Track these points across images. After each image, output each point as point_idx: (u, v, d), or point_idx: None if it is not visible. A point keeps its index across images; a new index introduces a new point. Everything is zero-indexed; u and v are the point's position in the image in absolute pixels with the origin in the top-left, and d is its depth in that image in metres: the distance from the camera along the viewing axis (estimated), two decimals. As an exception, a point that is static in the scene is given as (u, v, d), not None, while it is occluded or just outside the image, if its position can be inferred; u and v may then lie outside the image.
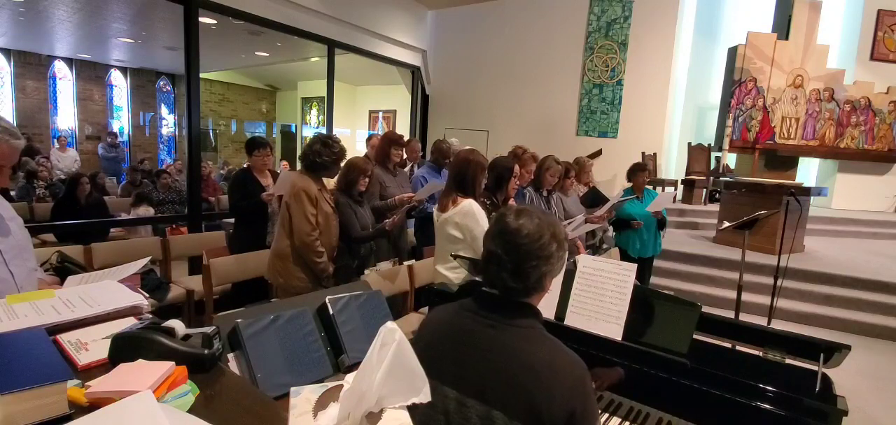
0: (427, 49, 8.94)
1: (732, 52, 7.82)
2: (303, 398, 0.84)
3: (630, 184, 4.43)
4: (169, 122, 12.19)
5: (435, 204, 2.76)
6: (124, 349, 0.93)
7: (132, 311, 1.15)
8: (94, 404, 0.79)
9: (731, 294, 3.91)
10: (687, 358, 1.48)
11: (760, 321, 3.18)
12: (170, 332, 0.98)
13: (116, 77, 11.06)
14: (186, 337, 1.00)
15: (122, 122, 11.23)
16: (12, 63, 9.38)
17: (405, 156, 4.15)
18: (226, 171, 9.96)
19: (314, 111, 11.88)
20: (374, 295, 2.04)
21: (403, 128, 9.64)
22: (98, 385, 0.83)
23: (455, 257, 2.35)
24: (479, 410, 1.09)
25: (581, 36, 8.38)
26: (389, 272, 3.09)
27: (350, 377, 0.82)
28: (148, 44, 9.15)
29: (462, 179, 2.48)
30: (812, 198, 5.94)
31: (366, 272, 3.03)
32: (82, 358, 0.95)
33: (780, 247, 3.83)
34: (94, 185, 5.50)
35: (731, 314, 3.65)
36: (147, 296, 1.25)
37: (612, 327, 1.60)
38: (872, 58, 8.06)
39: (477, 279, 2.04)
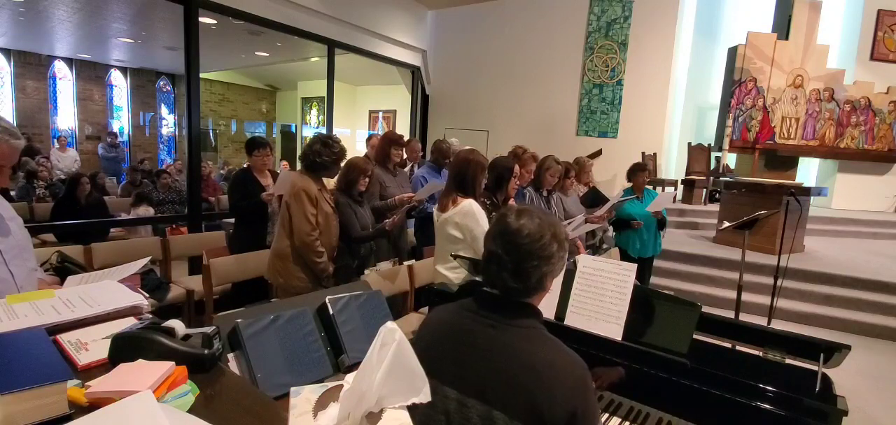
0: (427, 49, 8.94)
1: (732, 52, 7.82)
2: (303, 398, 0.84)
3: (630, 184, 4.43)
4: (169, 122, 12.19)
5: (435, 204, 2.76)
6: (124, 349, 0.93)
7: (132, 311, 1.15)
8: (94, 404, 0.79)
9: (731, 294, 3.91)
10: (687, 358, 1.48)
11: (760, 321, 3.18)
12: (170, 332, 0.98)
13: (116, 77, 11.06)
14: (186, 337, 1.00)
15: (122, 122, 11.23)
16: (12, 63, 9.38)
17: (405, 156, 4.15)
18: (226, 171, 9.96)
19: (314, 111, 11.88)
20: (374, 295, 2.04)
21: (403, 128, 9.64)
22: (98, 385, 0.83)
23: (455, 257, 2.35)
24: (479, 410, 1.09)
25: (581, 36, 8.38)
26: (389, 272, 3.09)
27: (350, 377, 0.82)
28: (148, 44, 9.15)
29: (462, 179, 2.48)
30: (812, 198, 5.94)
31: (366, 272, 3.03)
32: (82, 358, 0.95)
33: (780, 247, 3.83)
34: (94, 185, 5.50)
35: (731, 314, 3.65)
36: (147, 295, 1.25)
37: (612, 327, 1.60)
38: (872, 58, 8.06)
39: (477, 279, 2.04)
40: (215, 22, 6.30)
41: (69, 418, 0.76)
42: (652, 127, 8.15)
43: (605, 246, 4.53)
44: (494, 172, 2.80)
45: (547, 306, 1.66)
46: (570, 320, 1.67)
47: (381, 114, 11.53)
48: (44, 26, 7.94)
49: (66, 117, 10.29)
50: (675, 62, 8.14)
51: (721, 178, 7.07)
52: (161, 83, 11.83)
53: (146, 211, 5.47)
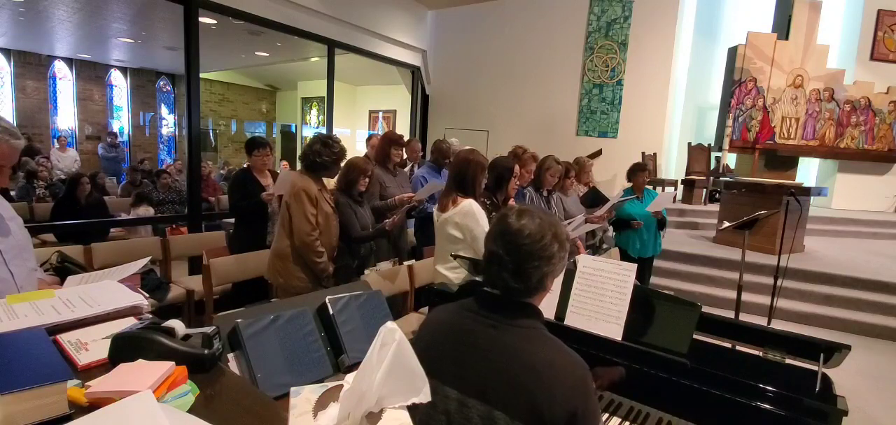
0: (427, 49, 8.94)
1: (732, 52, 7.82)
2: (303, 398, 0.84)
3: (630, 184, 4.43)
4: (169, 122, 12.19)
5: (435, 204, 2.76)
6: (124, 349, 0.93)
7: (132, 311, 1.15)
8: (94, 404, 0.79)
9: (731, 294, 3.91)
10: (687, 358, 1.48)
11: (760, 321, 3.18)
12: (170, 332, 0.98)
13: (116, 77, 11.06)
14: (186, 337, 1.00)
15: (122, 122, 11.23)
16: (12, 63, 9.38)
17: (405, 156, 4.15)
18: (226, 171, 9.96)
19: (314, 111, 11.88)
20: (374, 295, 2.04)
21: (403, 128, 9.64)
22: (98, 385, 0.83)
23: (455, 257, 2.35)
24: (480, 410, 1.09)
25: (581, 36, 8.38)
26: (389, 272, 3.09)
27: (350, 377, 0.82)
28: (148, 44, 9.15)
29: (462, 179, 2.48)
30: (812, 198, 5.94)
31: (366, 272, 3.03)
32: (82, 358, 0.95)
33: (780, 247, 3.83)
34: (94, 185, 5.50)
35: (731, 314, 3.65)
36: (147, 296, 1.25)
37: (612, 327, 1.60)
38: (872, 58, 8.06)
39: (477, 279, 2.04)
40: (215, 22, 6.30)
41: (69, 418, 0.76)
42: (652, 127, 8.15)
43: (605, 246, 4.53)
44: (494, 172, 2.80)
45: (547, 306, 1.65)
46: (570, 320, 1.67)
47: (381, 114, 11.53)
48: (44, 26, 7.94)
49: (66, 117, 10.29)
50: (675, 62, 8.14)
51: (721, 178, 7.08)
52: (161, 83, 11.83)
53: (146, 211, 5.47)
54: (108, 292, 1.20)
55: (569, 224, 3.40)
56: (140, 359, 0.90)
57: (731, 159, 8.58)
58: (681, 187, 8.16)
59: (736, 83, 7.74)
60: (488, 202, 2.73)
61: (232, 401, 0.90)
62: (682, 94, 8.83)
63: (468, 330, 1.15)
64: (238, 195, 3.60)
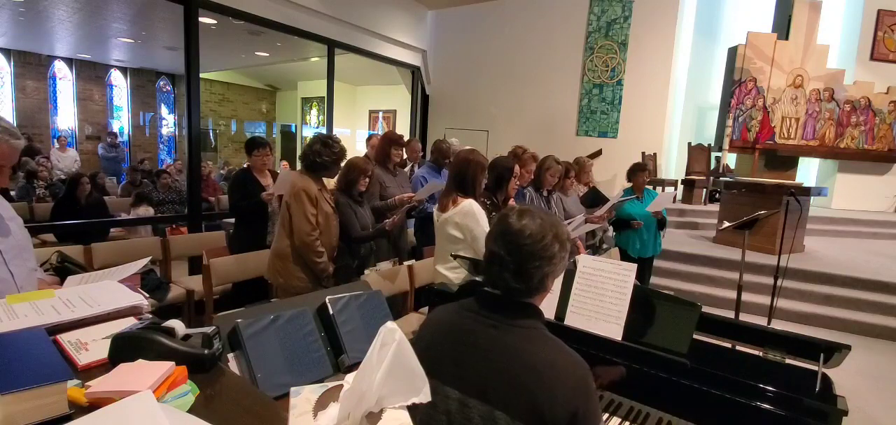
0: (427, 49, 8.94)
1: (732, 52, 7.82)
2: (303, 398, 0.84)
3: (630, 184, 4.43)
4: (169, 122, 12.19)
5: (435, 204, 2.76)
6: (124, 349, 0.93)
7: (132, 311, 1.15)
8: (94, 404, 0.79)
9: (731, 294, 3.91)
10: (687, 358, 1.48)
11: (760, 321, 3.18)
12: (170, 332, 0.98)
13: (116, 77, 11.06)
14: (186, 337, 1.00)
15: (122, 122, 11.23)
16: (12, 63, 9.38)
17: (405, 156, 4.15)
18: (226, 171, 9.96)
19: (314, 111, 11.88)
20: (374, 295, 2.04)
21: (403, 128, 9.64)
22: (98, 385, 0.83)
23: (455, 257, 2.35)
24: (481, 410, 1.09)
25: (581, 36, 8.38)
26: (389, 272, 3.09)
27: (350, 377, 0.82)
28: (148, 44, 9.15)
29: (462, 179, 2.48)
30: (812, 198, 5.94)
31: (366, 272, 3.03)
32: (82, 358, 0.95)
33: (780, 247, 3.83)
34: (94, 185, 5.50)
35: (731, 314, 3.65)
36: (147, 295, 1.25)
37: (612, 327, 1.60)
38: (872, 58, 8.06)
39: (477, 279, 2.04)
40: (215, 22, 6.30)
41: (69, 418, 0.76)
42: (652, 127, 8.15)
43: (605, 246, 4.53)
44: (494, 172, 2.80)
45: (547, 306, 1.65)
46: (571, 320, 1.67)
47: (381, 114, 11.53)
48: (44, 26, 7.94)
49: (66, 117, 10.29)
50: (675, 62, 8.14)
51: (721, 178, 7.08)
52: (161, 83, 11.83)
53: (146, 211, 5.48)
54: (108, 292, 1.20)
55: (569, 224, 3.39)
56: (140, 359, 0.90)
57: (731, 159, 8.58)
58: (681, 187, 8.16)
59: (736, 83, 7.74)
60: (488, 202, 2.73)
61: (232, 401, 0.90)
62: (682, 94, 8.83)
63: (469, 330, 1.15)
64: (238, 195, 3.60)
